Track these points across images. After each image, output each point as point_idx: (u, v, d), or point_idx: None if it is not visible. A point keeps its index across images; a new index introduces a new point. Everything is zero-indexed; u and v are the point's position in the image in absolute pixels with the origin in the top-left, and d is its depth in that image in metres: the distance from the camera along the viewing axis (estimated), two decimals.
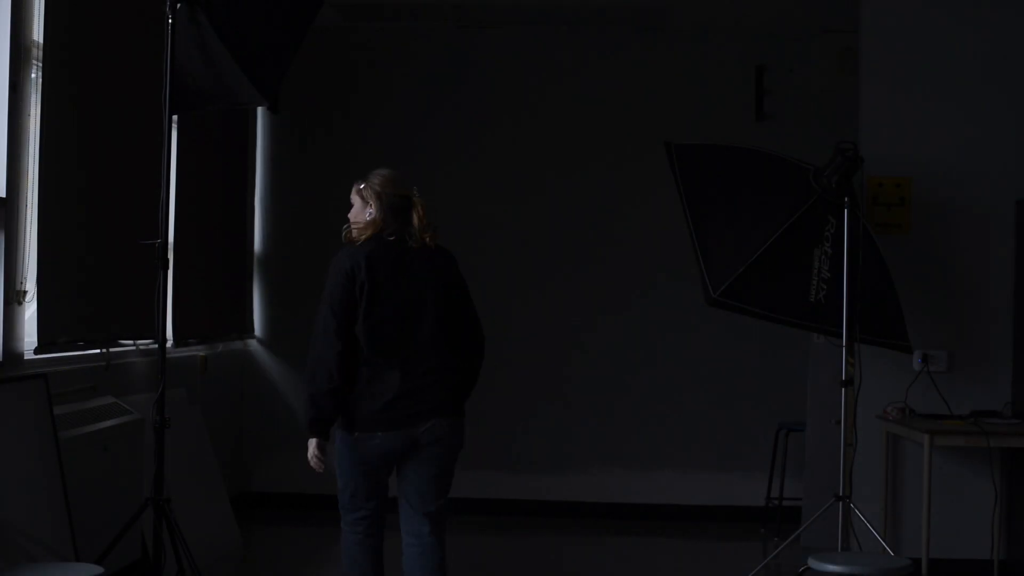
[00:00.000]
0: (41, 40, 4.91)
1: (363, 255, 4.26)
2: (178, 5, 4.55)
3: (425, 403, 4.31)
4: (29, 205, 4.87)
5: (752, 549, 6.85)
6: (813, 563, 4.72)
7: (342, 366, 4.18)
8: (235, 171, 7.57)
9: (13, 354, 4.75)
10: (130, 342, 5.78)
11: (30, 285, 4.85)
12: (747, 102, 7.75)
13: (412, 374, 4.27)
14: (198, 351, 6.90)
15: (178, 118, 5.97)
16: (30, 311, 4.90)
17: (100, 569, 4.01)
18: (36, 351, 4.90)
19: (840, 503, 5.54)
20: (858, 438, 5.72)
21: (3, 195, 4.71)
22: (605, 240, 7.83)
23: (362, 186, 4.45)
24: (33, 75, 4.91)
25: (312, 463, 4.30)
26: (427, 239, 4.44)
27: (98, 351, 5.45)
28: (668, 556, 6.93)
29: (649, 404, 7.77)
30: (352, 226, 4.43)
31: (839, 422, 5.64)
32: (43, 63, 4.88)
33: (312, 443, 4.27)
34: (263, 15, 4.77)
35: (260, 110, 7.75)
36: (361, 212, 4.42)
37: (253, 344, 7.90)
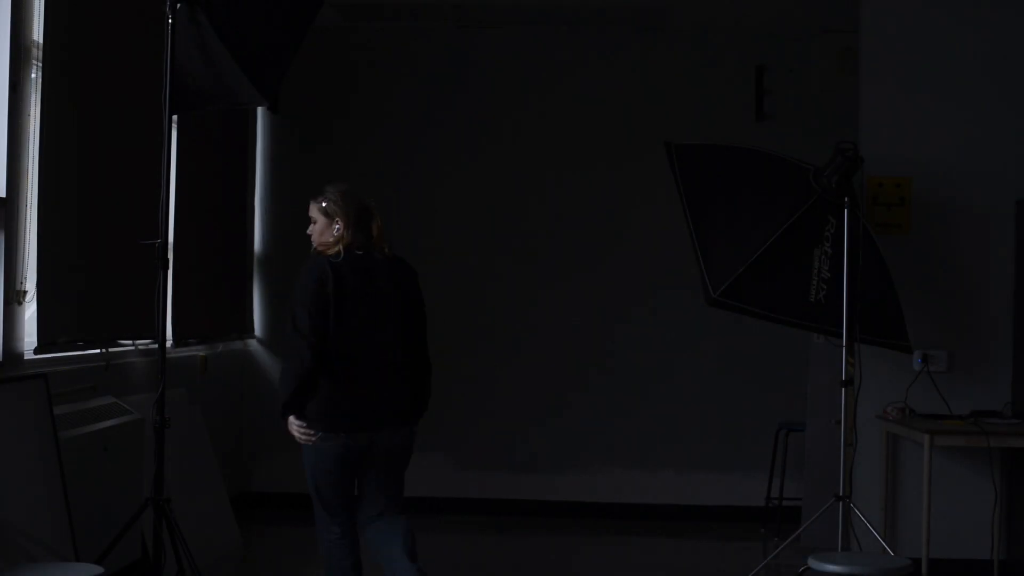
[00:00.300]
0: (41, 40, 4.91)
1: (332, 266, 4.41)
2: (178, 5, 4.54)
3: (385, 411, 4.50)
4: (29, 205, 4.87)
5: (752, 549, 6.85)
6: (813, 563, 4.72)
7: (316, 358, 4.33)
8: (235, 171, 7.57)
9: (13, 354, 4.75)
10: (129, 342, 5.78)
11: (30, 285, 4.85)
12: (747, 102, 7.75)
13: (374, 382, 4.46)
14: (198, 351, 6.90)
15: (178, 118, 5.96)
16: (30, 311, 4.90)
17: (100, 569, 4.02)
18: (36, 351, 4.90)
19: (840, 503, 5.54)
20: (858, 438, 5.71)
21: (3, 195, 4.71)
22: (605, 240, 7.83)
23: (324, 204, 4.56)
24: (33, 75, 4.91)
25: (304, 439, 4.41)
26: (386, 249, 4.59)
27: (98, 351, 5.45)
28: (668, 556, 6.93)
29: (649, 404, 7.77)
30: (319, 246, 4.55)
31: (839, 422, 5.64)
32: (43, 63, 4.88)
33: (293, 422, 4.40)
34: (263, 15, 4.76)
35: (260, 110, 7.75)
36: (327, 229, 4.54)
37: (253, 344, 7.90)
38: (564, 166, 7.87)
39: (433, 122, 7.92)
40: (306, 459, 4.48)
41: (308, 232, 4.64)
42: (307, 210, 8.45)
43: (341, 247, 4.48)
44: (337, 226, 4.51)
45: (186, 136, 6.42)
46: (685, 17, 7.60)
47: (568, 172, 7.87)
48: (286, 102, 7.70)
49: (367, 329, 4.45)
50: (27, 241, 4.86)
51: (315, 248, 4.56)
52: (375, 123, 7.93)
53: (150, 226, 4.78)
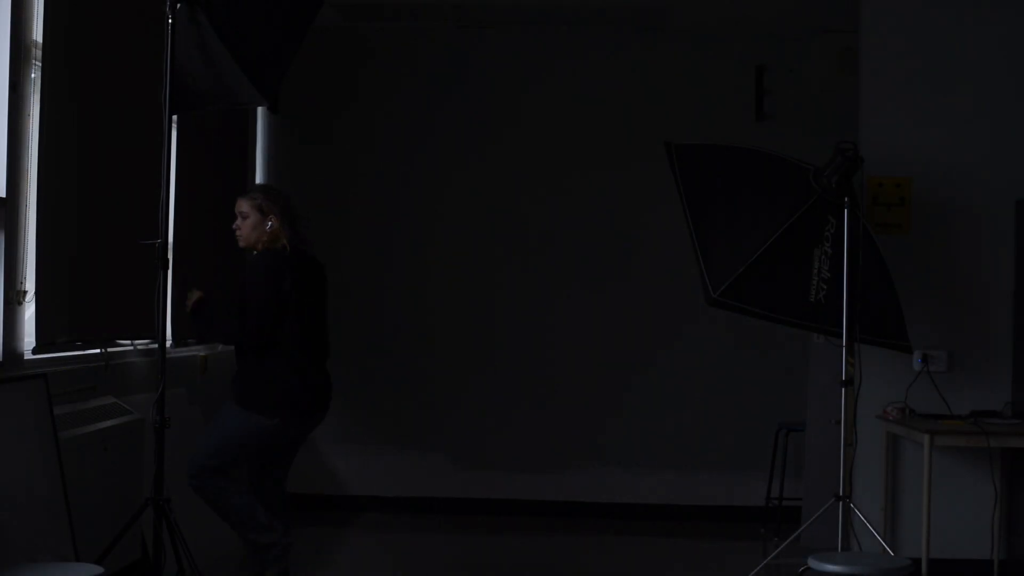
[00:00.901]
0: (41, 40, 4.90)
1: (289, 263, 4.74)
2: (178, 5, 4.54)
3: (325, 397, 4.91)
4: (29, 205, 4.87)
5: (752, 549, 6.85)
6: (813, 563, 4.72)
7: (250, 343, 4.78)
8: (235, 171, 7.56)
9: (13, 354, 4.75)
10: (129, 342, 5.78)
11: (30, 285, 4.85)
12: (747, 102, 7.75)
13: (320, 369, 4.87)
14: (198, 351, 6.90)
15: (178, 118, 5.96)
16: (30, 311, 4.90)
17: (100, 569, 4.01)
18: (34, 351, 4.90)
19: (840, 503, 5.54)
20: (858, 438, 5.72)
21: (3, 195, 4.71)
22: (604, 240, 7.83)
23: (259, 200, 4.85)
24: (33, 75, 4.91)
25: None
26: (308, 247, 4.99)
27: (98, 351, 5.45)
28: (668, 556, 6.93)
29: (649, 404, 7.77)
30: (253, 242, 4.86)
31: (839, 422, 5.64)
32: (43, 63, 4.88)
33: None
34: (263, 15, 4.76)
35: (260, 110, 7.75)
36: (261, 224, 4.84)
37: None
38: (563, 166, 7.88)
39: (433, 122, 7.92)
40: (245, 431, 4.78)
41: (235, 227, 4.88)
42: (306, 210, 8.44)
43: (285, 243, 4.77)
44: (270, 223, 4.79)
45: (186, 136, 6.42)
46: (685, 17, 7.60)
47: (567, 172, 7.87)
48: (286, 102, 7.70)
49: (314, 322, 4.84)
50: (27, 241, 4.86)
51: (255, 243, 4.83)
52: (375, 123, 7.93)
53: (150, 226, 4.78)
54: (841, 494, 5.55)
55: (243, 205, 4.81)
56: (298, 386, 4.78)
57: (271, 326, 4.65)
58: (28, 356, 4.88)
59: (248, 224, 4.79)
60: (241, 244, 4.88)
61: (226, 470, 4.89)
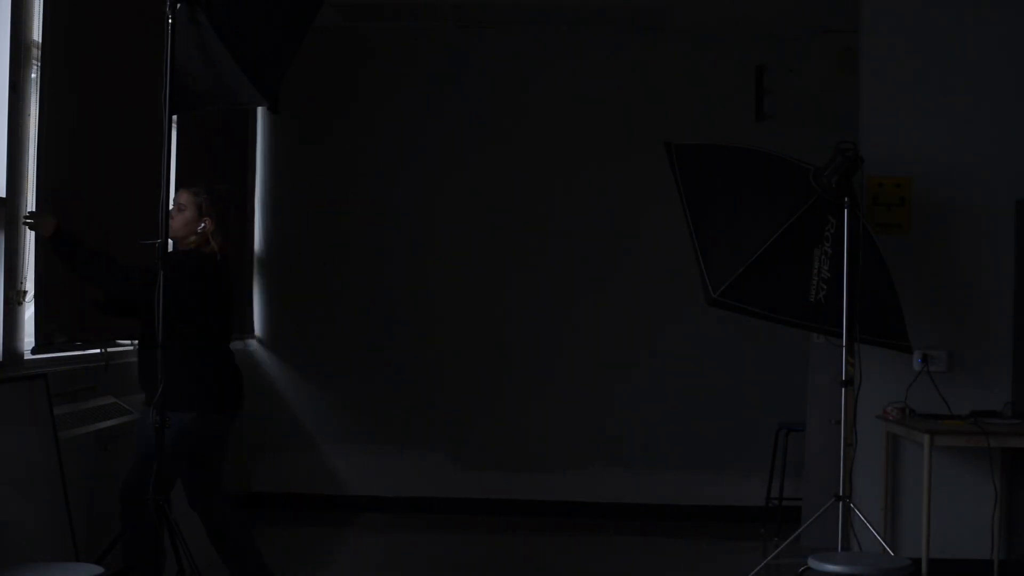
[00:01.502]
0: (41, 40, 4.90)
1: (216, 268, 4.76)
2: (178, 5, 4.54)
3: (241, 392, 4.93)
4: (29, 205, 4.87)
5: (752, 549, 6.85)
6: (813, 563, 4.72)
7: (122, 302, 4.72)
8: (235, 171, 7.56)
9: (13, 354, 4.74)
10: (128, 342, 5.77)
11: (30, 285, 4.85)
12: (747, 102, 7.75)
13: (236, 367, 4.90)
14: None
15: (178, 118, 5.96)
16: (30, 311, 4.90)
17: (100, 569, 4.01)
18: (34, 351, 4.90)
19: (840, 503, 5.54)
20: (858, 438, 5.72)
21: (3, 195, 4.71)
22: (604, 240, 7.83)
23: (201, 199, 4.80)
24: (33, 75, 4.91)
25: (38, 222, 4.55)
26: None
27: (98, 351, 5.45)
28: (668, 556, 6.93)
29: (649, 404, 7.77)
30: (179, 237, 4.78)
31: (839, 422, 5.64)
32: (43, 63, 4.87)
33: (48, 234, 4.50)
34: (263, 15, 4.75)
35: (260, 110, 7.75)
36: (194, 222, 4.78)
37: (253, 344, 7.90)
38: (563, 166, 7.88)
39: (433, 122, 7.92)
40: (184, 436, 4.63)
41: (175, 219, 4.78)
42: (307, 210, 8.44)
43: (216, 249, 4.76)
44: (203, 224, 4.75)
45: (186, 136, 6.42)
46: (685, 17, 7.60)
47: (567, 172, 7.87)
48: (286, 102, 7.70)
49: (229, 323, 4.92)
50: (27, 241, 4.86)
51: (182, 239, 4.77)
52: (375, 123, 7.93)
53: (150, 226, 4.77)
54: (841, 494, 5.55)
55: (183, 197, 4.78)
56: (220, 380, 4.80)
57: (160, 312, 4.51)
58: (28, 356, 4.88)
59: (182, 218, 4.76)
60: (168, 235, 4.83)
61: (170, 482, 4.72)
